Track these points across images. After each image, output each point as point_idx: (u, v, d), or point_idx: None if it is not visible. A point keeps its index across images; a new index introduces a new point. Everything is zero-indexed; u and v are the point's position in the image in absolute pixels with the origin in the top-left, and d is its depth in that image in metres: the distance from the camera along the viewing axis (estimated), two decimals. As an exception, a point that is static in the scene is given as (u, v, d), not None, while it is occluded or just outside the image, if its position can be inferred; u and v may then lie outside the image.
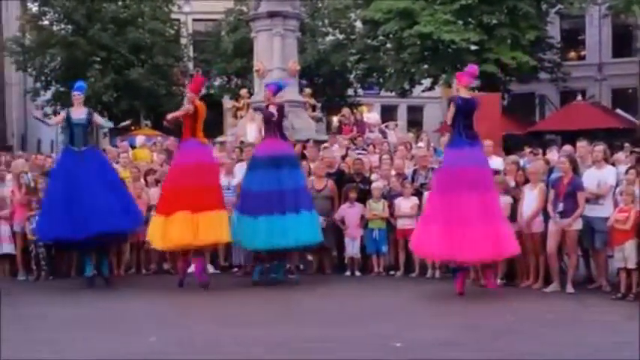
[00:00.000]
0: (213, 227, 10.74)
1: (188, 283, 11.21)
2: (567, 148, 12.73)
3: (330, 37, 34.93)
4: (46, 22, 32.80)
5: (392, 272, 12.08)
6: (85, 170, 10.87)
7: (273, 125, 11.25)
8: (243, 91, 21.74)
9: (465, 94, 10.44)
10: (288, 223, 10.82)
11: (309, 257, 12.62)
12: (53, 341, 7.79)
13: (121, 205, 10.98)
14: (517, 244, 10.13)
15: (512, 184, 11.27)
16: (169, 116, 11.48)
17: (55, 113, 31.93)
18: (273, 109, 11.23)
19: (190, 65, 37.38)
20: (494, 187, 10.44)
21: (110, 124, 11.24)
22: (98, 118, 11.49)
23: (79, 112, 11.20)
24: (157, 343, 7.72)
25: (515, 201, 10.93)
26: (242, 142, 15.48)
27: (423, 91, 32.44)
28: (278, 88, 11.79)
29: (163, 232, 10.74)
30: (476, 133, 10.38)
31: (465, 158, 10.07)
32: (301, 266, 12.37)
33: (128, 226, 11.29)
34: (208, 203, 10.76)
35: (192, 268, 11.28)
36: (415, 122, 38.75)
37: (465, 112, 10.28)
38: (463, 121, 10.25)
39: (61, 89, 31.78)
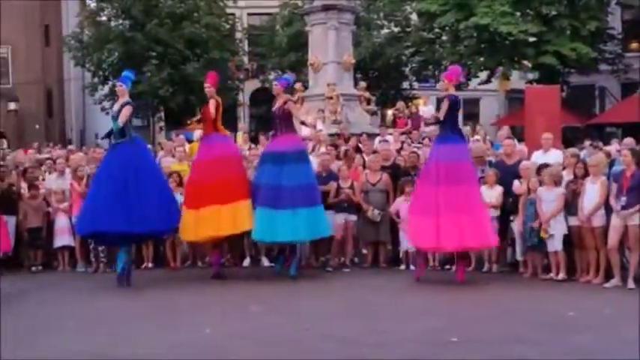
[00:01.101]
0: (241, 217, 10.93)
1: (245, 275, 11.27)
2: (628, 140, 12.43)
3: (385, 30, 34.69)
4: (104, 18, 33.23)
5: (447, 266, 11.92)
6: (111, 167, 10.65)
7: (282, 121, 11.17)
8: (298, 85, 21.70)
9: (453, 92, 10.83)
10: (280, 219, 10.76)
11: (364, 250, 12.55)
12: (115, 334, 7.87)
13: (146, 202, 10.49)
14: (496, 237, 10.80)
15: (571, 176, 11.03)
16: (194, 120, 11.79)
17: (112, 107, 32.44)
18: (281, 104, 11.19)
19: (245, 59, 37.55)
20: (477, 181, 11.00)
21: (116, 127, 10.62)
22: (121, 114, 10.70)
23: (117, 104, 11.08)
24: (212, 334, 7.73)
25: (575, 194, 10.69)
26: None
27: (480, 84, 32.00)
28: (288, 84, 11.81)
29: (194, 226, 10.85)
30: (460, 129, 11.11)
31: (455, 153, 10.54)
32: (356, 259, 12.31)
33: (153, 227, 10.82)
34: (235, 194, 10.92)
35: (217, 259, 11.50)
36: (471, 115, 38.25)
37: (455, 109, 10.78)
38: (452, 118, 10.70)
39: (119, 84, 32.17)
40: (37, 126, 36.28)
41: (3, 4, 35.91)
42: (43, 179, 13.26)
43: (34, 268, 12.38)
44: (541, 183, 10.96)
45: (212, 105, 11.20)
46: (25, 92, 36.25)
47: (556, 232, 10.70)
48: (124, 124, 10.52)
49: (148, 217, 10.40)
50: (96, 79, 33.28)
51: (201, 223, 10.80)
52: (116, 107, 10.91)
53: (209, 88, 11.33)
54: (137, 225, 10.39)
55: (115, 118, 10.65)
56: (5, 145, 28.96)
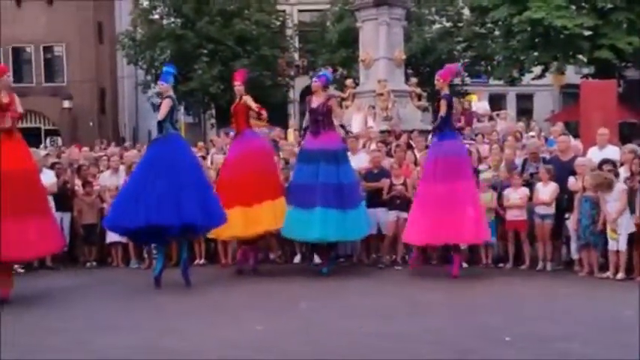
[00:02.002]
0: (273, 216, 10.98)
1: (296, 272, 11.33)
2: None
3: (436, 26, 34.47)
4: (157, 16, 33.59)
5: (500, 264, 11.76)
6: (147, 161, 10.47)
7: (324, 118, 11.07)
8: (349, 82, 21.67)
9: (447, 91, 11.20)
10: (312, 217, 10.69)
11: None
12: (167, 329, 7.92)
13: (172, 200, 10.10)
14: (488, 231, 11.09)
15: (628, 173, 10.79)
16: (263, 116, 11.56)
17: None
18: (324, 100, 11.12)
19: (296, 56, 37.62)
20: (473, 176, 11.27)
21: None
22: (160, 109, 10.53)
23: (159, 100, 11.03)
24: (264, 331, 7.73)
25: (633, 192, 10.45)
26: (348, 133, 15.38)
27: (533, 79, 31.57)
28: (327, 80, 11.69)
29: (247, 220, 10.83)
30: (455, 127, 11.60)
31: (454, 149, 10.83)
32: (407, 257, 12.22)
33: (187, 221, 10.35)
34: (267, 193, 10.97)
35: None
36: (525, 111, 37.79)
37: (450, 107, 11.07)
38: (448, 116, 10.94)
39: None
40: (91, 123, 36.83)
41: (56, 3, 36.54)
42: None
43: (88, 264, 12.55)
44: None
45: (249, 100, 11.23)
46: (78, 90, 36.83)
47: (622, 230, 10.44)
48: (162, 119, 10.35)
49: (174, 212, 9.93)
50: (148, 77, 33.64)
51: (232, 221, 10.73)
52: (158, 101, 10.97)
53: (239, 85, 11.28)
54: (157, 219, 9.91)
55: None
56: (60, 143, 29.43)
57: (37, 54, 38.02)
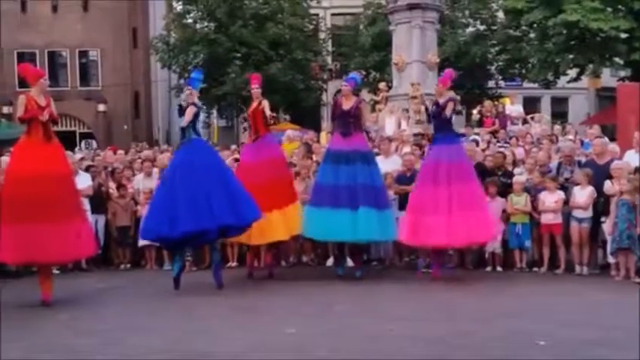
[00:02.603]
0: (284, 226, 10.98)
1: (328, 275, 11.36)
2: None
3: (470, 29, 34.29)
4: (190, 21, 33.80)
5: (535, 268, 11.64)
6: (176, 166, 10.43)
7: (355, 120, 11.03)
8: (382, 85, 21.63)
9: (451, 94, 11.52)
10: (338, 218, 10.64)
11: (450, 251, 12.34)
12: (200, 331, 7.93)
13: (205, 203, 10.05)
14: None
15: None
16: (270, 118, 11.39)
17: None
18: (356, 103, 11.09)
19: (329, 59, 37.64)
20: (476, 178, 11.19)
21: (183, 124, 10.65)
22: (186, 114, 10.47)
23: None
24: (296, 334, 7.71)
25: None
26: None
27: (569, 81, 31.26)
28: (356, 83, 11.69)
29: (260, 229, 10.68)
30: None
31: (457, 152, 11.01)
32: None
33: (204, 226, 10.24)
34: (292, 196, 11.04)
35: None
36: (560, 114, 37.46)
37: (454, 110, 11.25)
38: (450, 119, 11.08)
39: (203, 85, 32.64)
40: (125, 127, 37.16)
41: (92, 8, 36.93)
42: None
43: (122, 266, 12.63)
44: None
45: (266, 106, 11.16)
46: (113, 94, 37.20)
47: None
48: (185, 126, 10.40)
49: (207, 216, 9.90)
50: (182, 81, 33.84)
51: (266, 227, 10.71)
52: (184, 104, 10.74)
53: (257, 89, 11.26)
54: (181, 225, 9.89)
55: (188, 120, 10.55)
56: (95, 146, 29.71)
57: (73, 58, 38.46)
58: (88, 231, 10.15)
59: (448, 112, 10.93)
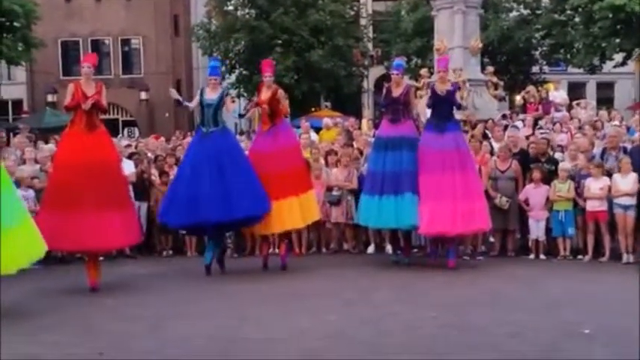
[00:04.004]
0: (314, 207, 11.05)
1: (370, 262, 11.31)
2: None
3: (514, 13, 33.91)
4: (231, 8, 33.86)
5: (580, 256, 11.49)
6: (205, 153, 10.43)
7: (404, 107, 10.97)
8: (423, 71, 21.45)
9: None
10: (384, 204, 10.67)
11: (492, 239, 12.25)
12: (242, 317, 7.98)
13: (241, 190, 10.28)
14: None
15: None
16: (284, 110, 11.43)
17: (239, 96, 33.06)
18: (406, 90, 11.06)
19: (370, 46, 37.48)
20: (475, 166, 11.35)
21: (236, 112, 10.97)
22: (229, 105, 10.75)
23: (212, 93, 10.73)
24: (338, 321, 7.70)
25: None
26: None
27: (615, 66, 30.74)
28: (403, 68, 11.63)
29: (276, 217, 10.64)
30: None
31: (461, 140, 11.12)
32: (483, 248, 12.05)
33: (247, 213, 10.44)
34: (306, 184, 10.96)
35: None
36: (605, 99, 36.88)
37: None
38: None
39: (244, 72, 32.78)
40: (167, 114, 37.43)
41: (134, -3, 37.21)
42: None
43: (164, 253, 12.73)
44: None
45: (281, 94, 11.13)
46: (155, 82, 37.50)
47: None
48: (219, 114, 10.56)
49: (206, 207, 10.11)
50: (223, 68, 33.94)
51: (283, 215, 10.67)
52: (214, 96, 10.63)
53: (270, 77, 11.14)
54: (195, 216, 10.21)
55: (215, 106, 10.55)
56: (137, 134, 29.97)
57: (116, 46, 38.84)
58: (134, 218, 10.27)
59: (458, 99, 10.94)
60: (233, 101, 11.03)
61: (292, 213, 10.69)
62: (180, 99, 11.49)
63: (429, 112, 11.72)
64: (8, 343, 6.83)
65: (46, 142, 15.83)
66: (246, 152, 11.23)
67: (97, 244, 9.48)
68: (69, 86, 9.86)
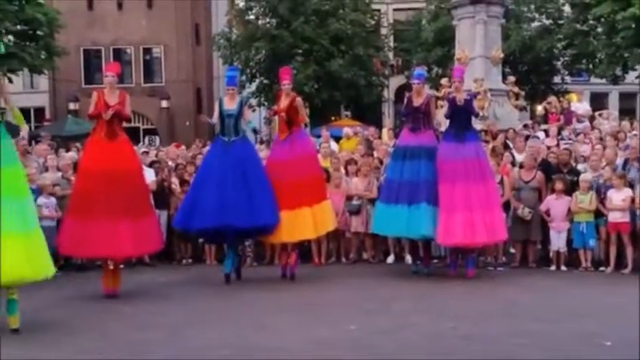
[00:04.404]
0: (328, 217, 10.98)
1: (389, 272, 11.29)
2: None
3: (536, 23, 33.76)
4: (252, 17, 33.96)
5: (601, 268, 11.38)
6: (229, 161, 10.48)
7: (425, 116, 10.96)
8: (444, 81, 21.33)
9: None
10: (398, 213, 10.66)
11: (512, 250, 12.17)
12: (261, 327, 7.97)
13: (254, 200, 10.33)
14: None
15: None
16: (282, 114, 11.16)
17: (260, 105, 33.10)
18: (427, 100, 11.07)
19: (390, 55, 37.45)
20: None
21: (252, 126, 11.17)
22: (246, 113, 10.93)
23: (231, 103, 10.78)
24: (357, 331, 7.67)
25: None
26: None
27: (638, 77, 30.50)
28: (424, 78, 11.68)
29: (286, 227, 10.60)
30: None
31: (480, 150, 11.13)
32: (504, 259, 11.96)
33: (268, 221, 10.51)
34: (321, 194, 10.90)
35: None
36: (628, 110, 36.56)
37: None
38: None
39: (265, 81, 32.84)
40: (187, 123, 37.57)
41: (155, 5, 37.43)
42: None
43: (184, 261, 12.73)
44: None
45: (299, 103, 11.08)
46: (176, 90, 37.67)
47: None
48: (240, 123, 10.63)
49: (223, 213, 10.17)
50: (243, 77, 34.01)
51: (293, 225, 10.63)
52: (234, 106, 10.68)
53: (288, 85, 11.13)
54: (209, 222, 10.29)
55: (235, 116, 10.61)
56: (157, 142, 30.11)
57: (137, 55, 39.08)
58: (155, 226, 10.29)
59: (476, 108, 10.92)
60: (254, 110, 11.11)
61: (304, 223, 10.64)
62: (210, 121, 11.50)
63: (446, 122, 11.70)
64: (27, 350, 6.85)
65: (68, 150, 15.92)
66: (265, 161, 11.25)
67: (114, 252, 9.51)
68: (92, 94, 9.96)
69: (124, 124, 10.04)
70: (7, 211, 7.45)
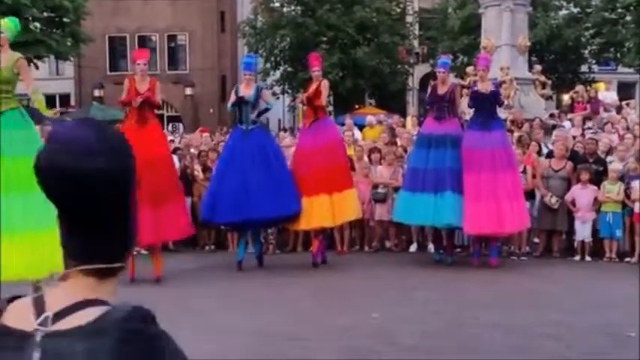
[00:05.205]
0: (349, 207, 10.86)
1: (412, 261, 11.26)
2: None
3: (563, 11, 33.44)
4: (277, 4, 33.89)
5: (627, 259, 11.27)
6: (248, 150, 10.50)
7: (450, 105, 10.89)
8: (470, 69, 21.17)
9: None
10: (422, 201, 10.62)
11: (536, 239, 12.09)
12: (285, 314, 7.99)
13: (277, 188, 10.37)
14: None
15: None
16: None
17: (284, 92, 33.07)
18: (451, 88, 11.01)
19: (416, 43, 37.24)
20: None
21: (271, 105, 11.16)
22: (265, 96, 10.99)
23: (247, 90, 10.76)
24: (379, 319, 7.65)
25: None
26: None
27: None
28: (449, 66, 11.66)
29: (305, 214, 10.63)
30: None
31: (505, 139, 11.19)
32: (527, 248, 11.89)
33: (286, 212, 10.58)
34: (343, 183, 10.80)
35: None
36: (655, 100, 36.22)
37: None
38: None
39: (289, 69, 32.80)
40: (212, 110, 37.63)
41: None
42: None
43: (207, 248, 12.77)
44: None
45: (324, 85, 10.99)
46: (200, 78, 37.73)
47: None
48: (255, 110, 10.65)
49: (245, 204, 10.21)
50: (268, 65, 33.99)
51: (312, 211, 10.64)
52: (250, 92, 10.67)
53: (318, 71, 11.09)
54: (234, 214, 10.36)
55: (252, 103, 10.60)
56: (181, 129, 30.21)
57: (162, 42, 39.19)
58: (185, 211, 10.33)
59: (502, 97, 10.91)
60: (277, 98, 11.13)
61: (322, 211, 10.62)
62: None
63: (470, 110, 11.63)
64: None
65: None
66: (292, 149, 11.25)
67: (150, 238, 9.60)
68: (125, 81, 10.11)
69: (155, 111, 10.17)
70: (9, 209, 7.02)
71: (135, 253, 9.84)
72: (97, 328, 1.39)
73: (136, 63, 10.31)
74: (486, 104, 10.84)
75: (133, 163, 1.57)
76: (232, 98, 10.87)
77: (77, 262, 1.47)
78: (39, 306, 1.43)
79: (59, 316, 1.41)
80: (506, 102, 18.01)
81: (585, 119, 16.71)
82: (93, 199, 1.44)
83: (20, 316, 1.43)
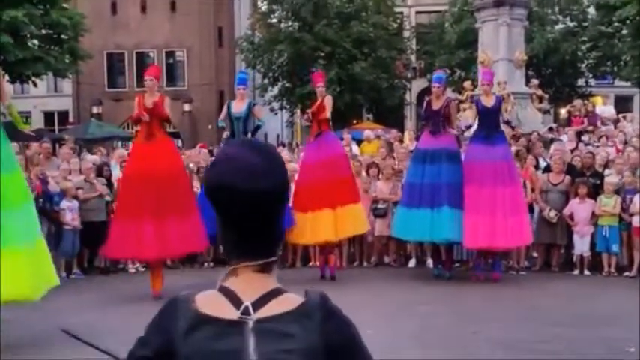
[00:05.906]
0: (353, 221, 10.90)
1: (411, 276, 11.21)
2: None
3: (560, 26, 33.57)
4: (275, 20, 34.04)
5: (625, 273, 11.27)
6: None
7: (445, 119, 10.90)
8: (467, 83, 21.30)
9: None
10: (419, 217, 10.62)
11: (534, 254, 12.09)
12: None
13: None
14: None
15: None
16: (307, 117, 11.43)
17: (282, 108, 33.13)
18: (446, 103, 11.00)
19: (413, 58, 37.37)
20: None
21: (263, 122, 11.17)
22: (258, 112, 11.06)
23: (239, 106, 10.83)
24: (378, 335, 7.61)
25: None
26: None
27: (663, 80, 30.28)
28: (445, 81, 11.69)
29: (310, 228, 10.69)
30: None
31: (508, 153, 11.11)
32: (526, 262, 11.89)
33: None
34: (346, 197, 10.82)
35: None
36: (652, 114, 36.29)
37: None
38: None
39: (287, 85, 32.87)
40: (210, 126, 37.64)
41: (179, 10, 37.56)
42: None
43: (206, 264, 12.76)
44: None
45: (328, 103, 11.11)
46: (198, 93, 37.76)
47: None
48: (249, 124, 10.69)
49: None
50: (266, 80, 34.09)
51: (315, 226, 10.70)
52: (242, 109, 10.73)
53: (322, 87, 11.30)
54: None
55: (243, 119, 10.65)
56: (180, 145, 30.26)
57: (160, 58, 39.24)
58: (198, 224, 10.29)
59: (505, 112, 10.88)
60: (275, 114, 11.11)
61: (325, 225, 10.69)
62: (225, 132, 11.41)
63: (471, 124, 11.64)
64: (60, 351, 6.90)
65: (91, 153, 16.01)
66: (290, 165, 11.26)
67: (158, 253, 9.63)
68: (136, 99, 10.16)
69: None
70: (8, 224, 7.00)
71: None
72: (304, 311, 1.77)
73: (145, 79, 10.34)
74: (491, 117, 10.88)
75: (287, 179, 1.78)
76: (223, 113, 10.91)
77: (241, 260, 1.75)
78: (231, 297, 1.72)
79: (257, 304, 1.71)
80: (506, 117, 18.09)
81: (582, 132, 16.75)
82: (256, 213, 1.68)
83: (216, 306, 1.72)
